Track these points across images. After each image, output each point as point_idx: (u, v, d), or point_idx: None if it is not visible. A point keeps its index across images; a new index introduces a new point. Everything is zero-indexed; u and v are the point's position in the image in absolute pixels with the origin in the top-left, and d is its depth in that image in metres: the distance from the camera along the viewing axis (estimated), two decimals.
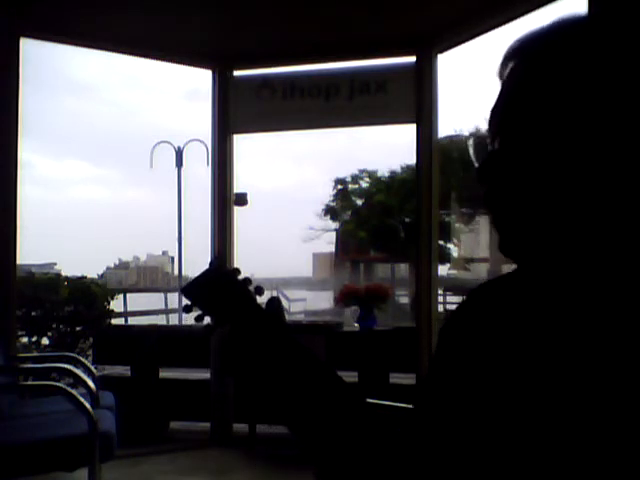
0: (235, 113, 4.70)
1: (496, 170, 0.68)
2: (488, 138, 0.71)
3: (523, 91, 0.66)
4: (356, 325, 4.86)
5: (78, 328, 4.96)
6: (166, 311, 13.96)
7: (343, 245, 27.65)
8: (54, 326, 4.92)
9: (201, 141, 17.62)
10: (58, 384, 3.39)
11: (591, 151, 0.62)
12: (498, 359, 0.67)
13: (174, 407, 4.80)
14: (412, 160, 4.64)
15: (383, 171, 24.69)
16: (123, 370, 4.94)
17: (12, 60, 3.96)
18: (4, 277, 3.90)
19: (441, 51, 4.29)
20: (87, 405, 2.88)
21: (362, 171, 25.21)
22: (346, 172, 25.64)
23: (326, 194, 25.88)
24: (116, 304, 5.75)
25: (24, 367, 3.89)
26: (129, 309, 11.72)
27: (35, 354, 4.60)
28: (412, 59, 4.35)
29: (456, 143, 21.71)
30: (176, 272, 21.40)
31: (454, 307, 0.81)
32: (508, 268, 0.78)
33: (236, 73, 4.71)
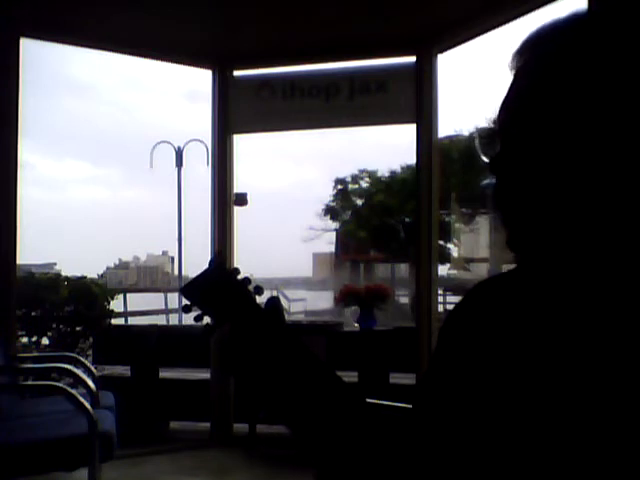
0: (235, 113, 4.70)
1: (506, 165, 0.68)
2: (496, 132, 0.71)
3: (534, 86, 0.66)
4: (356, 325, 4.86)
5: (78, 328, 4.95)
6: (166, 311, 13.96)
7: (343, 245, 27.66)
8: (54, 326, 4.92)
9: (201, 141, 17.64)
10: (58, 384, 3.39)
11: (602, 147, 0.61)
12: (498, 357, 0.67)
13: (174, 407, 4.80)
14: (412, 160, 4.64)
15: (383, 171, 24.70)
16: (123, 370, 4.94)
17: (12, 60, 3.96)
18: (4, 277, 3.90)
19: (441, 51, 4.29)
20: (87, 405, 2.88)
21: (362, 171, 25.21)
22: (346, 172, 25.66)
23: (326, 194, 25.90)
24: (116, 304, 5.73)
25: (24, 367, 3.89)
26: (129, 309, 11.72)
27: (35, 354, 4.59)
28: (412, 59, 4.35)
29: (456, 143, 21.72)
30: (176, 272, 21.42)
31: (453, 306, 0.81)
32: (508, 268, 0.78)
33: (236, 73, 4.71)
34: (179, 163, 19.46)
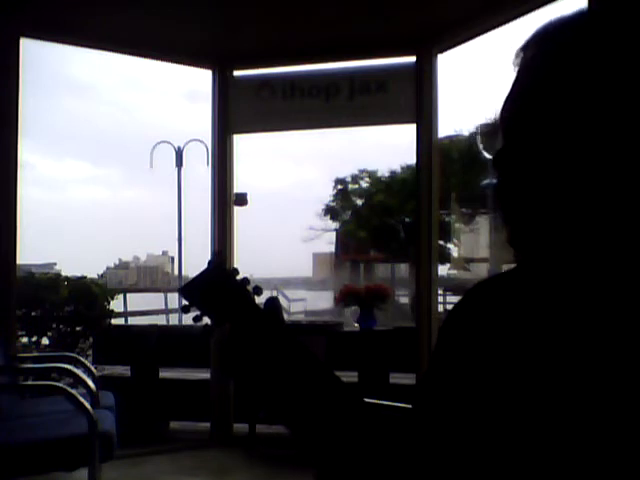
0: (235, 113, 4.70)
1: (509, 161, 0.68)
2: (499, 127, 0.71)
3: (539, 82, 0.65)
4: (356, 325, 4.86)
5: (78, 328, 4.95)
6: (166, 311, 13.96)
7: (343, 245, 27.66)
8: (54, 326, 4.92)
9: (201, 141, 17.65)
10: (58, 384, 3.39)
11: (607, 144, 0.61)
12: (497, 356, 0.67)
13: (174, 407, 4.80)
14: (412, 160, 4.64)
15: (383, 171, 24.71)
16: (123, 370, 4.94)
17: (12, 60, 3.96)
18: (4, 277, 3.90)
19: (441, 51, 4.29)
20: (87, 405, 2.88)
21: (362, 171, 25.22)
22: (346, 172, 25.67)
23: (326, 194, 25.91)
24: (116, 304, 5.73)
25: (24, 367, 3.89)
26: (129, 309, 11.72)
27: (35, 354, 4.59)
28: (412, 59, 4.35)
29: (456, 143, 21.72)
30: (176, 272, 21.42)
31: (452, 306, 0.81)
32: (508, 268, 0.77)
33: (236, 73, 4.71)
34: (179, 163, 19.47)
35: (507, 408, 0.64)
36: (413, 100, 4.34)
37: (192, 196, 20.34)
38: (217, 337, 0.85)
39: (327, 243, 28.58)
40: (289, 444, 0.79)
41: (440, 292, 6.00)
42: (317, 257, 39.27)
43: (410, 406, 0.77)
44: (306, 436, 0.78)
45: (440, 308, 4.70)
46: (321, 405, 0.77)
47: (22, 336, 4.74)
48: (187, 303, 0.87)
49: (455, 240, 24.14)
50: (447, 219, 21.47)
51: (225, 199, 4.72)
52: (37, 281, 4.92)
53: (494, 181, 0.71)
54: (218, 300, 0.84)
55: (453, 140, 21.49)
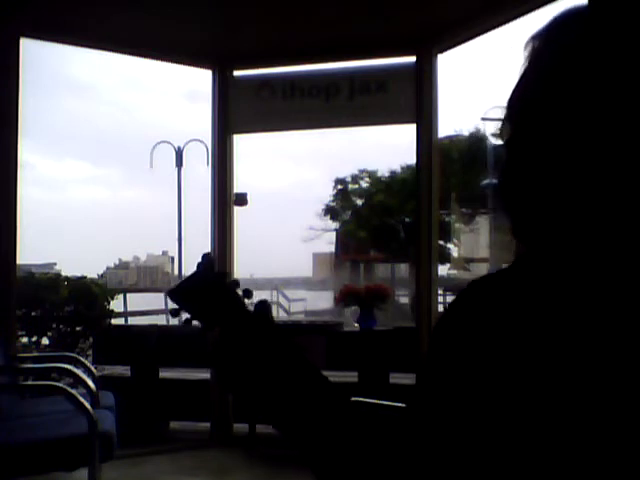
0: (235, 113, 4.70)
1: (516, 150, 0.68)
2: (507, 116, 0.70)
3: (549, 72, 0.65)
4: (356, 325, 4.86)
5: (78, 328, 4.95)
6: (166, 311, 13.92)
7: (343, 245, 27.66)
8: (54, 326, 4.92)
9: (201, 141, 17.67)
10: (58, 384, 3.39)
11: (614, 135, 0.61)
12: (494, 355, 0.67)
13: (174, 407, 4.80)
14: (412, 160, 4.64)
15: (383, 171, 24.71)
16: (123, 370, 4.94)
17: (12, 60, 3.96)
18: (4, 277, 3.90)
19: (441, 51, 4.30)
20: (87, 405, 2.88)
21: (362, 171, 25.21)
22: (346, 172, 25.66)
23: (326, 194, 25.91)
24: (116, 304, 5.73)
25: (24, 367, 3.89)
26: (129, 309, 11.71)
27: (35, 354, 4.59)
28: (412, 59, 4.35)
29: (456, 143, 21.72)
30: (176, 272, 21.43)
31: (447, 305, 0.81)
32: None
33: (236, 73, 4.71)
34: (179, 163, 19.49)
35: (505, 408, 0.63)
36: (413, 100, 4.34)
37: (192, 196, 20.39)
38: (212, 342, 0.84)
39: (327, 243, 28.60)
40: (289, 444, 0.78)
41: (440, 292, 5.99)
42: (317, 257, 39.27)
43: (406, 406, 0.77)
44: (297, 438, 0.78)
45: (440, 308, 4.70)
46: (311, 407, 0.77)
47: (22, 336, 4.74)
48: (176, 306, 0.86)
49: (455, 240, 24.14)
50: (447, 219, 21.47)
51: (225, 199, 4.72)
52: (37, 281, 4.92)
53: (494, 181, 0.71)
54: (207, 303, 0.83)
55: (453, 140, 21.50)
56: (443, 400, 0.70)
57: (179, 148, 19.46)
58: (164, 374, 4.88)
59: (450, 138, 20.91)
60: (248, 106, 4.68)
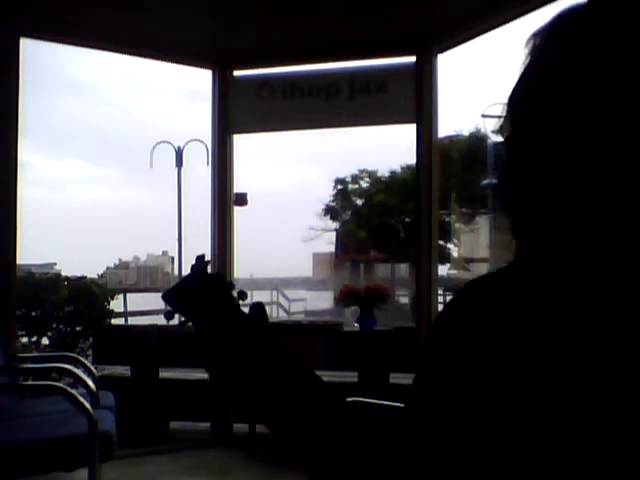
0: (235, 113, 4.70)
1: (517, 146, 0.68)
2: (508, 113, 0.70)
3: (548, 70, 0.65)
4: (356, 325, 4.86)
5: (78, 328, 4.96)
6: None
7: (343, 245, 27.66)
8: (54, 326, 4.92)
9: (201, 141, 17.64)
10: (58, 384, 3.39)
11: (611, 136, 0.61)
12: (492, 355, 0.67)
13: (174, 407, 4.80)
14: (412, 160, 4.65)
15: (383, 171, 24.71)
16: (123, 370, 4.94)
17: (12, 60, 3.96)
18: (4, 277, 3.90)
19: (441, 51, 4.30)
20: (87, 405, 2.88)
21: (362, 171, 25.21)
22: (346, 172, 25.66)
23: (326, 194, 25.90)
24: (116, 304, 5.74)
25: (24, 367, 3.89)
26: (129, 309, 11.70)
27: (35, 354, 4.59)
28: (412, 59, 4.35)
29: (456, 143, 21.73)
30: (176, 272, 21.42)
31: (445, 304, 0.81)
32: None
33: (236, 73, 4.71)
34: (179, 163, 19.48)
35: (502, 408, 0.63)
36: (413, 100, 4.34)
37: (192, 196, 20.37)
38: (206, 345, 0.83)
39: (327, 243, 28.59)
40: (283, 444, 0.78)
41: (440, 292, 6.00)
42: (317, 257, 39.26)
43: (404, 406, 0.77)
44: (291, 439, 0.77)
45: (440, 308, 4.70)
46: (305, 407, 0.76)
47: (22, 336, 4.74)
48: (170, 309, 0.85)
49: (455, 240, 24.14)
50: (447, 219, 21.47)
51: (225, 199, 4.72)
52: (37, 281, 4.93)
53: (494, 181, 0.71)
54: (201, 305, 0.83)
55: (453, 140, 21.50)
56: (440, 399, 0.70)
57: (179, 148, 19.46)
58: (164, 374, 4.88)
59: (450, 138, 20.91)
60: (248, 106, 4.68)
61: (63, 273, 5.46)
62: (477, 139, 21.82)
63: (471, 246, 24.48)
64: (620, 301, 0.61)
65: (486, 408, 0.65)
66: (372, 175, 24.95)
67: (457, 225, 23.31)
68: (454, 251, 24.66)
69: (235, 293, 0.85)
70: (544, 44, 0.67)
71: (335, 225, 26.70)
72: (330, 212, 25.88)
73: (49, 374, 3.84)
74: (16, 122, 3.97)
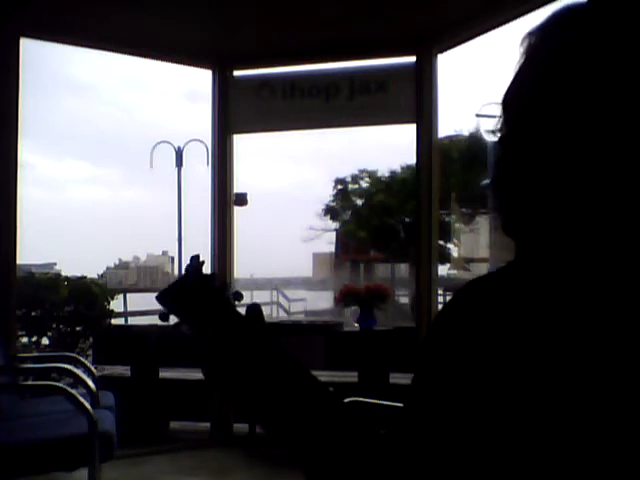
0: (235, 113, 4.70)
1: (511, 145, 0.68)
2: (503, 113, 0.70)
3: (543, 69, 0.65)
4: (356, 325, 4.86)
5: (78, 328, 4.95)
6: None
7: (343, 245, 27.65)
8: (54, 326, 4.92)
9: (201, 141, 17.64)
10: (58, 384, 3.39)
11: (604, 135, 0.61)
12: (492, 355, 0.67)
13: (174, 407, 4.80)
14: (412, 160, 4.65)
15: (383, 171, 24.68)
16: (123, 370, 4.94)
17: (12, 60, 3.96)
18: (4, 277, 3.90)
19: (441, 51, 4.30)
20: (87, 405, 2.88)
21: (362, 171, 25.19)
22: (346, 172, 25.63)
23: (326, 194, 25.88)
24: (116, 304, 5.74)
25: (24, 367, 3.89)
26: (129, 309, 11.69)
27: (35, 354, 4.59)
28: (412, 59, 4.35)
29: (456, 143, 21.72)
30: (176, 272, 21.41)
31: (445, 304, 0.80)
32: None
33: (236, 73, 4.71)
34: (179, 163, 19.48)
35: (500, 408, 0.63)
36: (413, 100, 4.34)
37: (192, 196, 20.37)
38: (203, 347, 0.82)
39: (327, 243, 28.57)
40: (281, 445, 0.78)
41: (440, 292, 5.99)
42: (317, 257, 39.24)
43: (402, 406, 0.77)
44: (288, 439, 0.77)
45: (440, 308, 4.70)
46: (301, 408, 0.76)
47: (22, 336, 4.74)
48: (165, 311, 0.84)
49: (455, 240, 24.12)
50: (447, 219, 21.46)
51: (225, 199, 4.72)
52: (37, 281, 4.93)
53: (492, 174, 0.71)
54: (196, 307, 0.82)
55: (453, 140, 21.49)
56: (438, 398, 0.70)
57: (179, 148, 19.46)
58: (164, 374, 4.87)
59: (450, 138, 20.90)
60: (248, 106, 4.68)
61: (63, 273, 5.46)
62: (477, 139, 21.80)
63: (471, 246, 24.47)
64: (612, 298, 0.61)
65: (484, 406, 0.65)
66: (372, 175, 24.93)
67: (457, 225, 23.30)
68: (454, 251, 24.65)
69: (231, 294, 0.84)
70: (539, 43, 0.67)
71: (335, 225, 26.69)
72: (330, 212, 25.87)
73: (49, 374, 3.84)
74: (16, 122, 3.97)
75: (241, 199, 4.95)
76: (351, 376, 4.44)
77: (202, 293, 0.82)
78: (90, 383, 3.17)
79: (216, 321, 0.80)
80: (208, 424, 4.64)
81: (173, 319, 0.86)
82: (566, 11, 0.67)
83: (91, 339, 5.04)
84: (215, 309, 0.81)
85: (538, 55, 0.67)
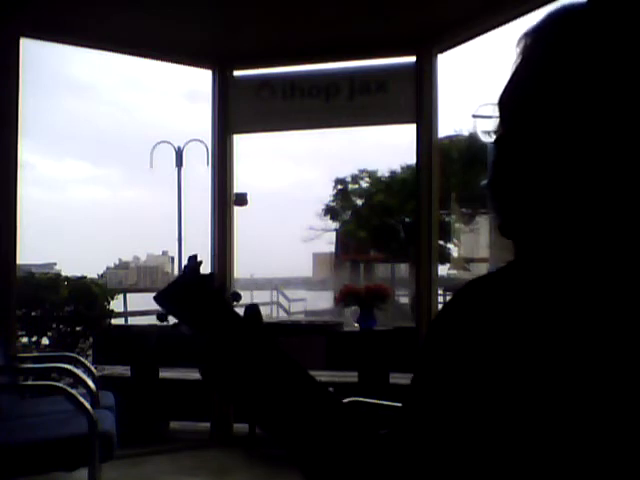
0: (235, 113, 4.70)
1: (507, 146, 0.68)
2: (500, 113, 0.70)
3: (539, 70, 0.65)
4: (356, 325, 4.86)
5: (78, 328, 4.96)
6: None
7: (343, 245, 27.64)
8: (54, 326, 4.92)
9: (201, 141, 17.61)
10: (58, 384, 3.39)
11: (600, 136, 0.61)
12: (491, 355, 0.67)
13: (174, 407, 4.80)
14: (412, 160, 4.65)
15: (383, 171, 24.67)
16: (123, 370, 4.94)
17: (12, 60, 3.96)
18: (4, 277, 3.90)
19: (441, 51, 4.30)
20: (87, 405, 2.88)
21: (362, 171, 25.18)
22: (346, 172, 25.62)
23: (326, 194, 25.87)
24: (116, 304, 5.74)
25: (24, 367, 3.89)
26: (129, 309, 11.69)
27: (35, 354, 4.60)
28: (412, 59, 4.35)
29: (456, 143, 21.72)
30: (176, 272, 21.41)
31: (444, 303, 0.80)
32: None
33: (236, 73, 4.71)
34: (179, 163, 19.46)
35: (499, 407, 0.63)
36: (413, 100, 4.34)
37: (192, 196, 20.33)
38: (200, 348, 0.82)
39: (327, 243, 28.55)
40: (279, 445, 0.78)
41: (440, 292, 5.99)
42: (317, 257, 39.22)
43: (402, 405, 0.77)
44: (286, 439, 0.77)
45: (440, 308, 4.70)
46: (300, 408, 0.76)
47: (22, 336, 4.74)
48: (163, 311, 0.84)
49: (455, 240, 24.11)
50: (447, 219, 21.45)
51: (225, 199, 4.72)
52: (37, 281, 4.93)
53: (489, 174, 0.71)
54: (193, 307, 0.81)
55: (453, 140, 21.48)
56: (438, 398, 0.70)
57: (179, 148, 19.44)
58: (164, 374, 4.88)
59: (450, 138, 20.89)
60: (248, 106, 4.68)
61: (63, 273, 5.46)
62: (477, 139, 21.80)
63: (471, 246, 24.46)
64: (611, 298, 0.61)
65: (484, 406, 0.65)
66: (372, 175, 24.92)
67: (457, 225, 23.29)
68: (454, 251, 24.64)
69: (229, 294, 0.84)
70: (535, 44, 0.68)
71: (335, 225, 26.68)
72: (330, 212, 25.86)
73: (49, 374, 3.84)
74: (16, 122, 3.97)
75: (241, 199, 4.95)
76: (351, 376, 4.44)
77: (200, 293, 0.82)
78: (90, 383, 3.17)
79: (213, 322, 0.80)
80: (208, 424, 4.64)
81: (172, 319, 0.86)
82: (562, 12, 0.67)
83: (91, 339, 5.04)
84: (212, 310, 0.81)
85: (534, 55, 0.67)
